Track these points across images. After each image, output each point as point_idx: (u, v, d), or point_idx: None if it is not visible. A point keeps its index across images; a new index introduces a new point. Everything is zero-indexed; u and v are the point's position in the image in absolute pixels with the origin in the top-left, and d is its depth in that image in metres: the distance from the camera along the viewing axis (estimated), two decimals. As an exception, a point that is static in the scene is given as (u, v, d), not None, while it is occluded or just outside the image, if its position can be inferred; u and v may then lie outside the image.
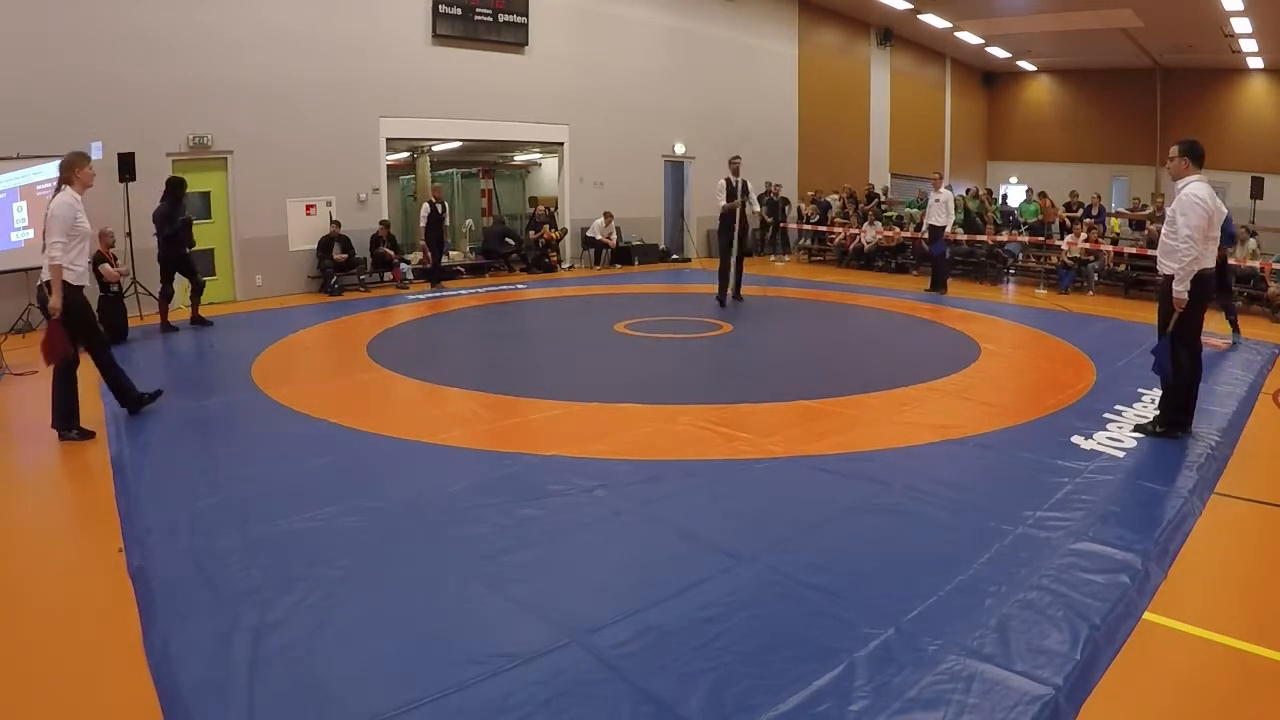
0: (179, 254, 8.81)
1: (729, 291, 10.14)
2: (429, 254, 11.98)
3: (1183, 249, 4.57)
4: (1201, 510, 3.88)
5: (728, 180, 10.18)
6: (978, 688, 2.44)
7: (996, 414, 5.43)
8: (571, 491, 4.02)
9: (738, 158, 10.34)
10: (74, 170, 4.96)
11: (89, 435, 5.04)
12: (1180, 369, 4.80)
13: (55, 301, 4.84)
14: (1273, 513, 3.98)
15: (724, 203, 10.05)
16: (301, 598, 2.98)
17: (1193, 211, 4.56)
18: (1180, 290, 4.61)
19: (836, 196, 16.68)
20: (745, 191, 10.11)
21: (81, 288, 5.04)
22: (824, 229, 16.12)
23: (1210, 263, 4.73)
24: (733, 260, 10.10)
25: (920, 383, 6.24)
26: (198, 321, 8.95)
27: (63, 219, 4.81)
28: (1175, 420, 4.94)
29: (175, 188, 8.78)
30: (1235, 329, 8.47)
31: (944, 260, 11.97)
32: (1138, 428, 5.05)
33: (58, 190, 4.94)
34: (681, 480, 4.20)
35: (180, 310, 9.06)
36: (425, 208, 11.90)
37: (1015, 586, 3.06)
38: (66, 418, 5.03)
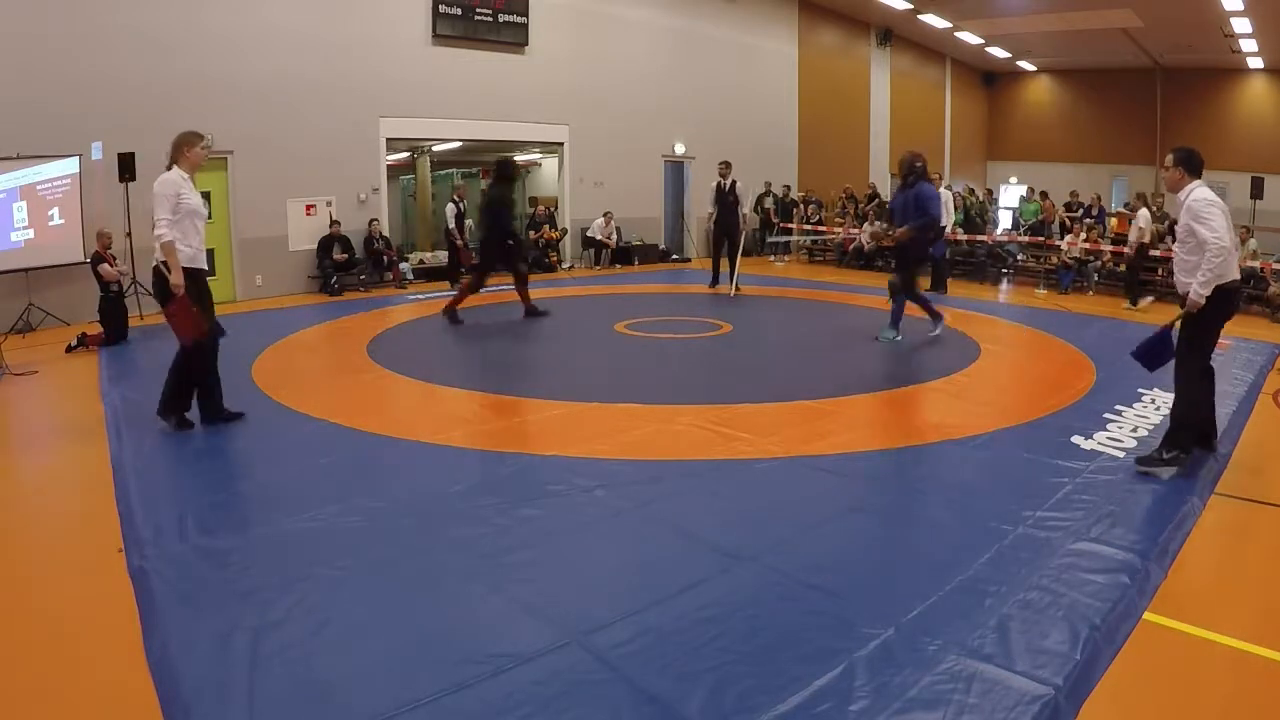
0: (502, 237, 8.76)
1: (729, 288, 11.03)
2: (467, 253, 11.91)
3: (1211, 251, 4.05)
4: (1201, 510, 3.88)
5: (719, 184, 11.05)
6: (978, 688, 2.44)
7: (997, 414, 5.43)
8: (571, 491, 4.02)
9: (725, 163, 11.14)
10: (183, 150, 4.83)
11: (238, 416, 5.13)
12: (1187, 391, 4.34)
13: (177, 278, 4.69)
14: (1273, 513, 3.98)
15: (709, 208, 11.16)
16: (301, 598, 2.98)
17: (1211, 215, 4.10)
18: (1199, 296, 4.13)
19: (836, 197, 16.70)
20: (734, 192, 10.98)
21: (198, 270, 4.86)
22: (822, 229, 16.22)
23: (1235, 274, 4.27)
24: (724, 258, 11.14)
25: (920, 383, 6.24)
26: (453, 313, 8.79)
27: (164, 196, 4.67)
28: (1183, 443, 4.33)
29: (504, 168, 8.75)
30: (932, 314, 7.88)
31: (944, 260, 11.98)
32: (1140, 460, 4.40)
33: (167, 170, 4.83)
34: (681, 480, 4.20)
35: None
36: (451, 207, 11.97)
37: (1015, 586, 3.05)
38: (216, 408, 5.05)
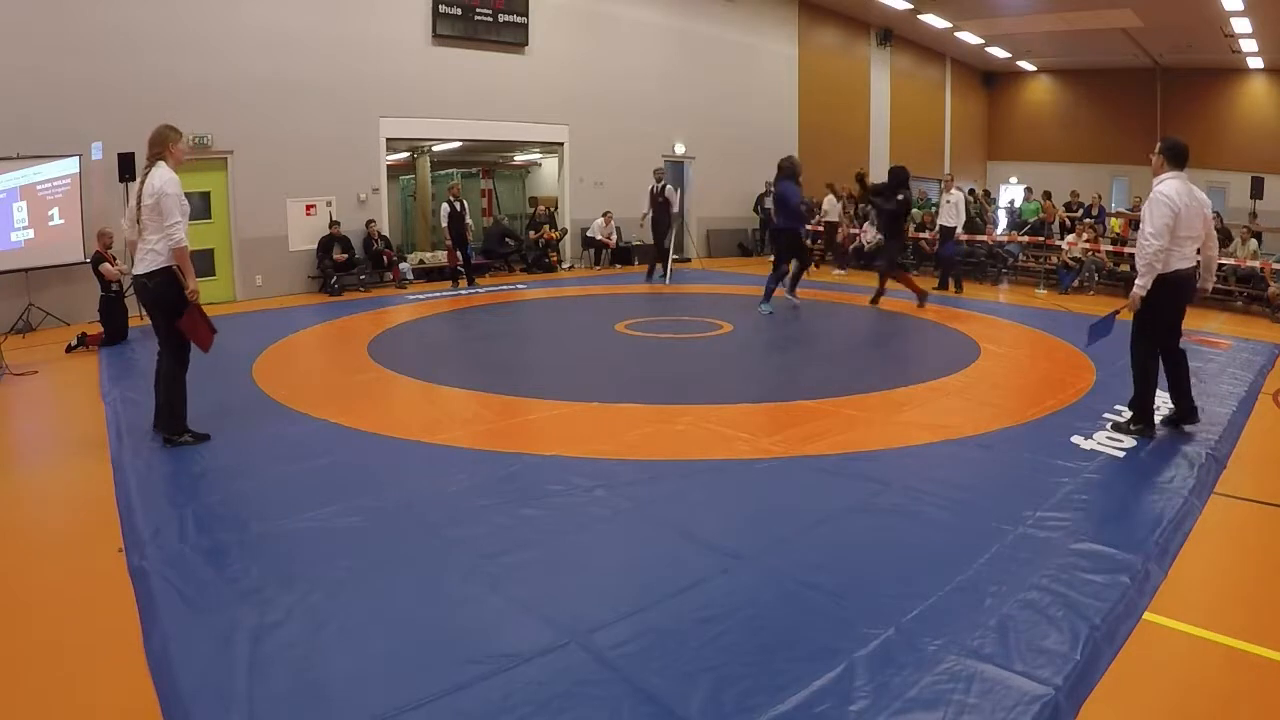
0: (900, 230, 10.73)
1: (661, 273, 12.50)
2: (454, 254, 11.90)
3: (1141, 247, 4.58)
4: (1201, 510, 3.88)
5: (651, 188, 12.54)
6: (978, 688, 2.44)
7: (996, 414, 5.43)
8: (571, 491, 4.02)
9: (658, 169, 12.94)
10: (167, 144, 4.59)
11: (204, 438, 4.79)
12: (1143, 370, 4.83)
13: (192, 283, 4.59)
14: (1273, 513, 3.98)
15: (645, 207, 12.54)
16: (301, 598, 2.98)
17: (1157, 210, 4.49)
18: (1139, 286, 4.60)
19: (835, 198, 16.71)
20: (664, 194, 12.47)
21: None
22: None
23: (1186, 264, 4.64)
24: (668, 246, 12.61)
25: (920, 383, 6.24)
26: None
27: (177, 196, 4.47)
28: (1146, 418, 4.90)
29: (898, 174, 10.23)
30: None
31: (948, 260, 12.02)
32: (1115, 426, 5.02)
33: (150, 167, 4.54)
34: (681, 480, 4.20)
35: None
36: (445, 207, 11.84)
37: (1015, 586, 3.05)
38: (180, 419, 4.78)
